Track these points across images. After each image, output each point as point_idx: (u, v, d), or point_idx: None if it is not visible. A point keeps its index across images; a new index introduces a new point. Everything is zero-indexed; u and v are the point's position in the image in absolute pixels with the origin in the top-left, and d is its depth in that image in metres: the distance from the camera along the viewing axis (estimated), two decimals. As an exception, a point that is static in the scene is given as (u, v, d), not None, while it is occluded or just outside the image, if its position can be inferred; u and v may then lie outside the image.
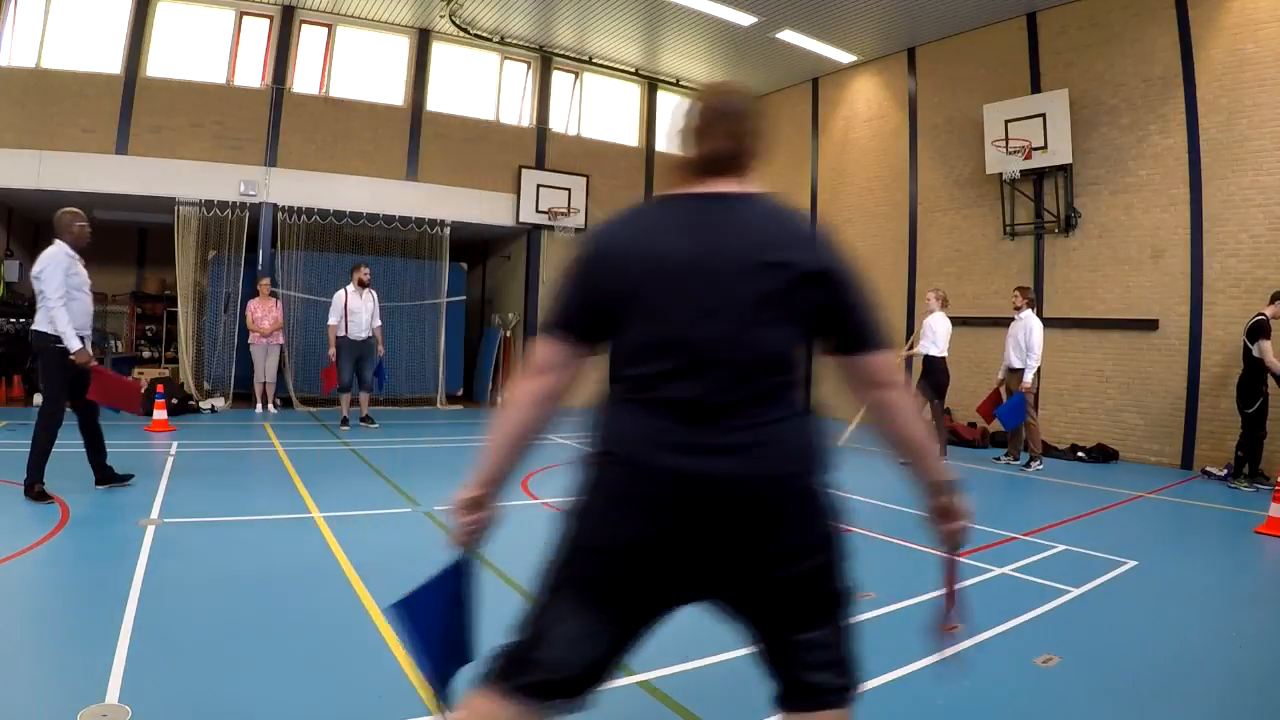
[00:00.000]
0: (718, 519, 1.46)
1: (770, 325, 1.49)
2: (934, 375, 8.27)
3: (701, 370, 1.47)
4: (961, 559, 1.74)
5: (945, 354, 8.33)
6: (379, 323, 9.84)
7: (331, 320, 9.53)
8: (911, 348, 9.01)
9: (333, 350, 9.46)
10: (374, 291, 9.86)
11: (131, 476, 5.60)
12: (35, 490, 5.03)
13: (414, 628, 1.81)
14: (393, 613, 1.83)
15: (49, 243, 5.25)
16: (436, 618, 1.78)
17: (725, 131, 1.57)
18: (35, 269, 5.11)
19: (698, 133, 1.59)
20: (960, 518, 1.70)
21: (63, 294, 5.04)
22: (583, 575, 1.57)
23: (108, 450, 5.51)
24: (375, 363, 9.80)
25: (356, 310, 9.57)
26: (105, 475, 5.47)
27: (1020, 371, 8.13)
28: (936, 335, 8.28)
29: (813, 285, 1.50)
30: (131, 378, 5.89)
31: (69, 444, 5.32)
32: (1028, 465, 8.28)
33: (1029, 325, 8.14)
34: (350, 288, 9.63)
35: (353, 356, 9.57)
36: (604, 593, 1.55)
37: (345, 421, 9.57)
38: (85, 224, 5.35)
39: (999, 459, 8.73)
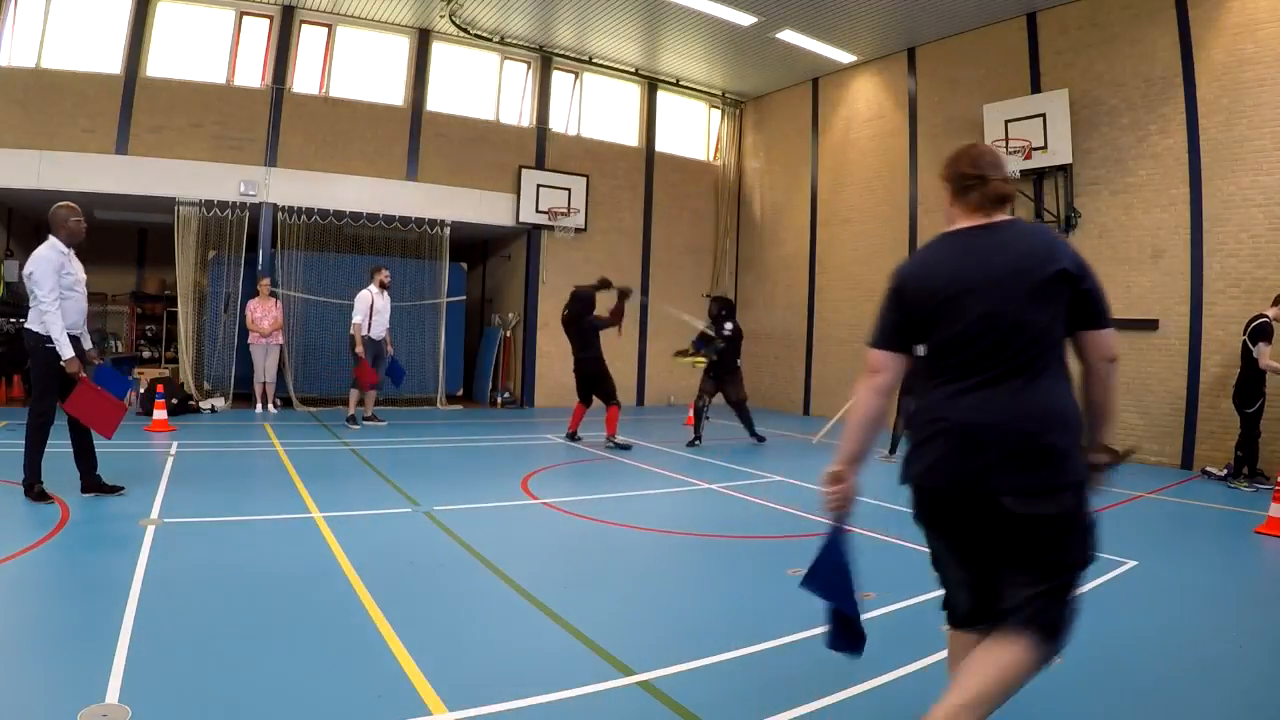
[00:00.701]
0: (985, 455, 1.93)
1: (1038, 315, 1.96)
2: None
3: (985, 356, 1.98)
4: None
5: None
6: (387, 324, 10.17)
7: (357, 319, 9.76)
8: None
9: (360, 349, 9.67)
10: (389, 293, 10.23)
11: (122, 489, 5.37)
12: (35, 490, 5.01)
13: (827, 592, 2.21)
14: (807, 587, 2.24)
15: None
16: (840, 577, 2.20)
17: (1003, 176, 2.13)
18: (27, 268, 5.02)
19: (983, 179, 2.12)
20: (1102, 482, 2.11)
21: (56, 295, 4.96)
22: (918, 507, 2.12)
23: (98, 454, 5.37)
24: (388, 361, 10.12)
25: (381, 310, 9.95)
26: (92, 484, 5.29)
27: None
28: None
29: (1065, 282, 1.97)
30: (124, 398, 5.71)
31: (65, 445, 5.29)
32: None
33: None
34: (373, 289, 9.89)
35: (372, 355, 9.86)
36: (931, 519, 2.11)
37: (354, 420, 9.68)
38: (81, 219, 5.21)
39: None
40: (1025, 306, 1.95)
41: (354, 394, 9.84)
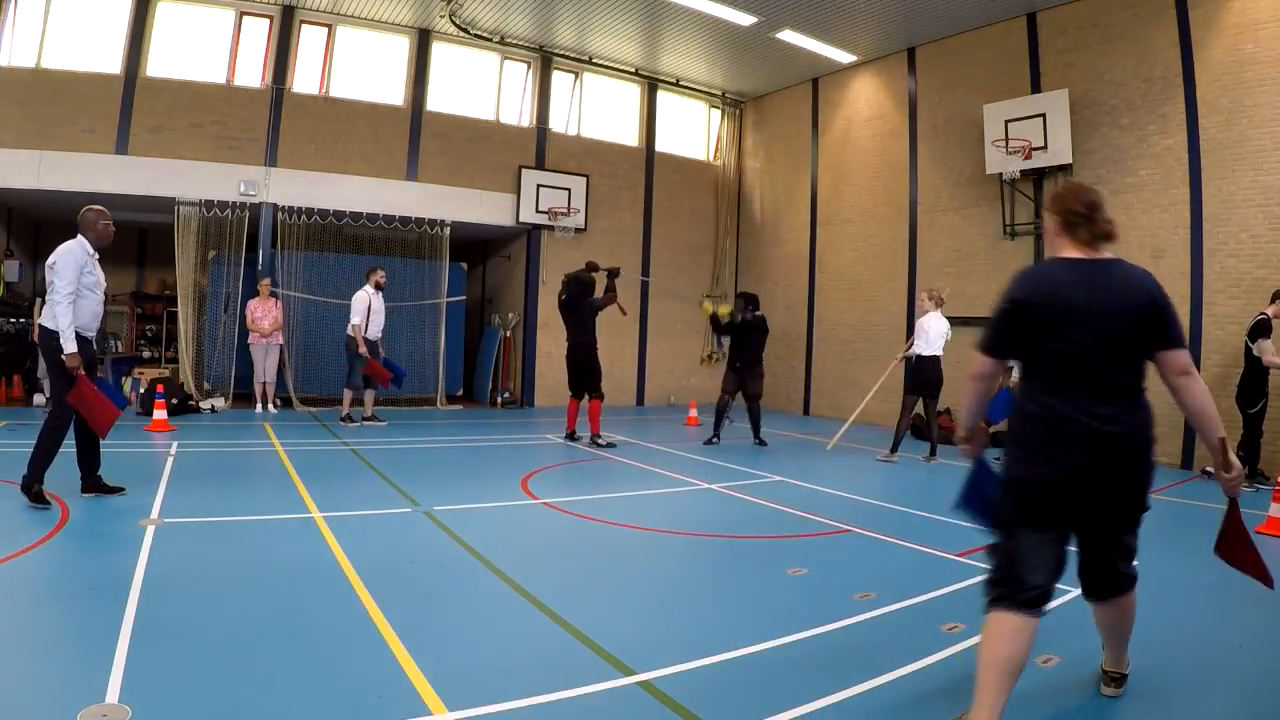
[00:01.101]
0: (1103, 456, 2.38)
1: (1132, 344, 2.42)
2: (921, 374, 8.33)
3: (1094, 373, 2.39)
4: (1239, 499, 2.60)
5: (939, 353, 8.38)
6: (383, 324, 10.21)
7: (355, 320, 9.78)
8: (908, 349, 8.99)
9: (364, 349, 9.71)
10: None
11: (123, 490, 5.34)
12: (34, 490, 4.96)
13: (979, 507, 2.86)
14: (964, 509, 2.93)
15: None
16: (984, 495, 2.83)
17: (1105, 216, 2.58)
18: (51, 259, 5.04)
19: (1089, 218, 2.55)
20: (1235, 471, 2.49)
21: (73, 290, 4.97)
22: (1025, 503, 2.48)
23: (102, 454, 5.36)
24: (382, 361, 10.09)
25: (377, 311, 10.01)
26: (94, 484, 5.27)
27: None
28: (929, 335, 8.32)
29: (1153, 315, 2.41)
30: (118, 397, 5.70)
31: (69, 445, 5.28)
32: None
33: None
34: (369, 289, 9.93)
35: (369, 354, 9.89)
36: (1040, 514, 2.45)
37: (350, 418, 9.73)
38: (110, 224, 5.26)
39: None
40: (1129, 337, 2.41)
41: (347, 394, 9.85)
